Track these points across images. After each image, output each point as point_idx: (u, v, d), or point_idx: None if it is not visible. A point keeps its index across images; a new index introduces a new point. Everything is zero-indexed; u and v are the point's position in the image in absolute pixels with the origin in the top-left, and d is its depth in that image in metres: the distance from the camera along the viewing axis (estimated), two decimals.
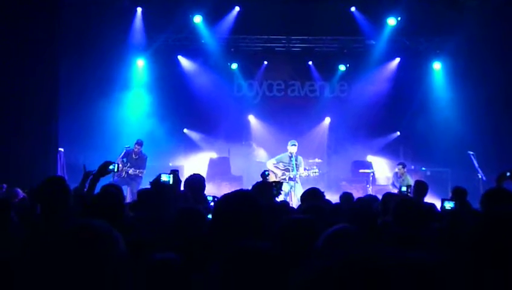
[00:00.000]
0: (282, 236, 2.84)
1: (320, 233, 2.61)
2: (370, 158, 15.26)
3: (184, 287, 2.36)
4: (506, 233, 2.00)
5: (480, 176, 11.45)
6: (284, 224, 2.93)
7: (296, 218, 3.14)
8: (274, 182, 7.19)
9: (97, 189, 5.29)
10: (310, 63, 16.25)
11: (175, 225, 3.81)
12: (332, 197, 8.22)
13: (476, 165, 11.66)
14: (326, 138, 16.11)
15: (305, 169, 11.92)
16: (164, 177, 5.58)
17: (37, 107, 11.54)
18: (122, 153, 12.31)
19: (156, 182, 5.25)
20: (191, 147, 15.80)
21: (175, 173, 5.50)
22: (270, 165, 12.06)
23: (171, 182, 5.52)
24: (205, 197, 5.97)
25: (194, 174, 6.21)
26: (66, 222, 2.32)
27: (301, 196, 5.81)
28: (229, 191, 3.10)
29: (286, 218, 3.05)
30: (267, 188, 5.54)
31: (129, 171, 12.22)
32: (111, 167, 5.51)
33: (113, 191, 4.53)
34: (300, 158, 11.97)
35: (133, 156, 12.47)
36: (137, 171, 12.16)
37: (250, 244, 2.22)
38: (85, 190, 5.29)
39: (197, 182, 5.93)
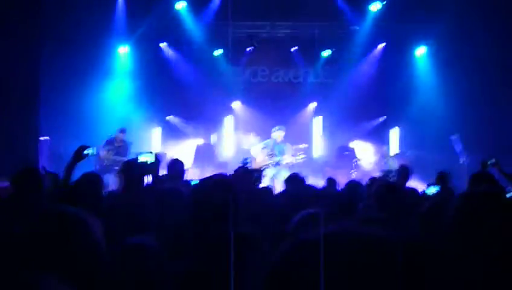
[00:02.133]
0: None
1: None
2: (356, 143, 15.29)
3: (158, 272, 2.33)
4: (480, 208, 2.05)
5: (463, 160, 11.49)
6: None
7: None
8: (254, 169, 7.16)
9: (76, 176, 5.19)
10: (294, 49, 16.20)
11: (155, 209, 3.77)
12: (319, 182, 8.25)
13: (460, 149, 11.69)
14: (312, 123, 16.13)
15: (292, 155, 11.92)
16: (143, 157, 5.41)
17: (18, 96, 11.40)
18: (105, 141, 12.21)
19: (123, 169, 5.05)
20: (176, 134, 15.72)
21: (154, 154, 5.37)
22: (256, 149, 12.06)
23: (150, 161, 5.36)
24: (186, 182, 5.89)
25: (172, 159, 6.12)
26: (40, 209, 2.28)
27: (284, 181, 5.82)
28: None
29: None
30: (247, 174, 5.50)
31: (113, 158, 12.10)
32: (86, 151, 5.26)
33: (92, 179, 4.46)
34: (287, 145, 11.97)
35: (116, 143, 12.37)
36: (118, 158, 11.97)
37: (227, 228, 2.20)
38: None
39: (175, 167, 5.82)
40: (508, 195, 6.05)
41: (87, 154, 5.28)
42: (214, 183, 2.55)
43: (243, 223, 2.61)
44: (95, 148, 5.45)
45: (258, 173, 6.16)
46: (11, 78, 11.23)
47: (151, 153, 5.25)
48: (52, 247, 1.92)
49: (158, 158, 5.26)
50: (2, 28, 11.03)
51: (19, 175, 4.12)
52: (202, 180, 2.77)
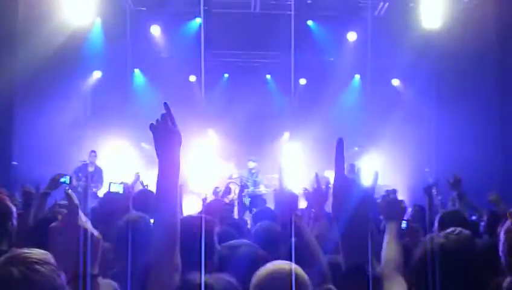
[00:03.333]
0: None
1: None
2: (330, 173, 15.27)
3: None
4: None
5: (434, 193, 11.47)
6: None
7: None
8: (226, 202, 6.99)
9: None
10: (269, 77, 16.28)
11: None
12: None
13: (431, 182, 11.66)
14: (287, 152, 16.11)
15: (265, 186, 11.94)
16: (114, 187, 5.30)
17: None
18: (77, 168, 12.02)
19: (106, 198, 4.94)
20: (149, 161, 15.53)
21: (123, 186, 5.26)
22: (231, 175, 12.04)
23: (120, 192, 5.24)
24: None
25: (140, 190, 5.90)
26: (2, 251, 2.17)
27: (253, 215, 5.73)
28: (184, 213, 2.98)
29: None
30: (219, 208, 5.32)
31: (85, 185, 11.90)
32: (62, 179, 5.12)
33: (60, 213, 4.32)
34: (260, 175, 11.96)
35: (89, 168, 12.19)
36: (92, 185, 11.80)
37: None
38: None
39: (142, 199, 5.52)
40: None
41: (63, 182, 5.15)
42: (185, 229, 2.46)
43: (216, 268, 2.54)
44: (68, 177, 5.33)
45: (230, 206, 6.00)
46: None
47: (121, 183, 5.16)
48: None
49: (126, 190, 5.14)
50: None
51: None
52: None
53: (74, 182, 11.70)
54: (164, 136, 2.37)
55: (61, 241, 1.68)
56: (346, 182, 1.55)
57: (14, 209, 4.26)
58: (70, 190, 1.75)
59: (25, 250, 2.01)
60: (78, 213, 1.70)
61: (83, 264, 1.67)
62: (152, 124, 2.37)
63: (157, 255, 2.22)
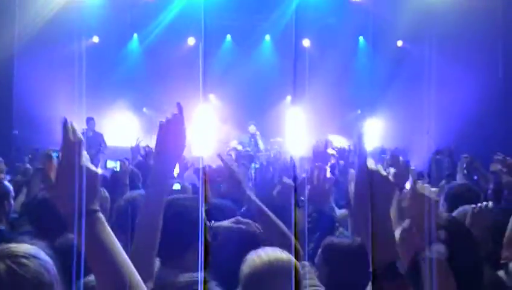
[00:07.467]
0: None
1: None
2: (331, 137, 15.18)
3: None
4: None
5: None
6: None
7: None
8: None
9: None
10: (268, 38, 16.07)
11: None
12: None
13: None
14: (288, 116, 16.01)
15: (265, 150, 11.94)
16: (110, 164, 5.24)
17: None
18: None
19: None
20: (151, 127, 15.49)
21: (119, 162, 5.16)
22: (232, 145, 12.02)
23: (117, 169, 5.13)
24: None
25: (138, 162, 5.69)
26: None
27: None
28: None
29: None
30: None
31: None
32: (54, 154, 4.98)
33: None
34: (261, 140, 11.94)
35: (89, 133, 12.14)
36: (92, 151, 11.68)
37: None
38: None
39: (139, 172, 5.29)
40: None
41: (56, 157, 5.00)
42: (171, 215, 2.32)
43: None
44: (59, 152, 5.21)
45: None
46: None
47: (117, 160, 5.07)
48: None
49: (123, 167, 5.02)
50: None
51: None
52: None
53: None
54: (170, 139, 2.23)
55: (59, 179, 1.61)
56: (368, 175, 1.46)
57: (11, 188, 4.23)
58: (71, 125, 1.63)
59: (13, 245, 1.97)
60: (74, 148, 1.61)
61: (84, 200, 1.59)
62: (161, 121, 2.23)
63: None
